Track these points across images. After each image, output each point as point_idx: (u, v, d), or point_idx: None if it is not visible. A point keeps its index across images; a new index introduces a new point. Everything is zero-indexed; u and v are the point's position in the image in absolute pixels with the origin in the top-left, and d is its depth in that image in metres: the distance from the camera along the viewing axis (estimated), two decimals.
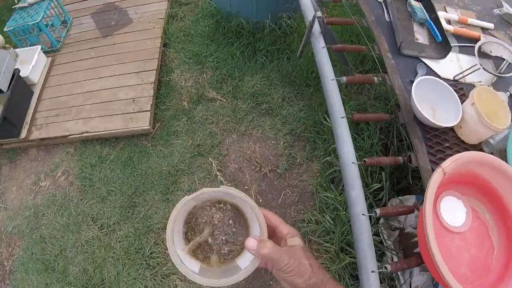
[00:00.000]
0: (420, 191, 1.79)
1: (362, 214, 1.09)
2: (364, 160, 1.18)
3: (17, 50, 2.75)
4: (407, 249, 1.61)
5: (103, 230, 2.26)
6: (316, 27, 1.67)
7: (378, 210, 1.09)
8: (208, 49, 2.90)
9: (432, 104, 1.33)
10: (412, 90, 1.24)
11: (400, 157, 1.21)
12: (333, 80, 1.43)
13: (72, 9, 3.41)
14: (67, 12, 3.27)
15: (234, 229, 0.64)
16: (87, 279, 2.12)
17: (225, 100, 2.63)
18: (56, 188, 2.50)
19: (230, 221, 0.64)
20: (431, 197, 0.87)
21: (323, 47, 1.58)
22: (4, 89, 2.49)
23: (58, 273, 2.17)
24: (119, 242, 2.20)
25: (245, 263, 0.59)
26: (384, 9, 1.75)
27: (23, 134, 2.58)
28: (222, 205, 0.64)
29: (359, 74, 2.43)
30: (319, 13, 1.60)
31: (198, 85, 2.75)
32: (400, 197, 1.76)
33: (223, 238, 0.63)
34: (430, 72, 1.52)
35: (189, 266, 0.58)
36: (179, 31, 3.13)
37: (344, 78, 1.42)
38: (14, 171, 2.66)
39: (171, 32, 3.14)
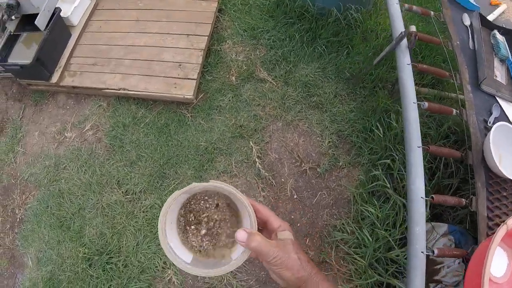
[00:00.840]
0: (452, 220, 2.08)
1: (421, 252, 1.34)
2: (432, 197, 1.46)
3: None
4: (427, 274, 1.83)
5: (128, 196, 2.55)
6: (404, 41, 1.89)
7: (436, 250, 1.36)
8: (266, 25, 3.11)
9: (500, 149, 1.60)
10: (491, 136, 1.52)
11: (463, 199, 1.51)
12: (415, 103, 1.68)
13: None
14: None
15: (227, 222, 0.73)
16: (103, 244, 2.40)
17: (275, 84, 2.87)
18: (82, 142, 2.79)
19: (224, 214, 0.74)
20: (492, 255, 1.08)
21: (409, 64, 1.82)
22: (42, 27, 2.70)
23: (73, 232, 2.46)
24: (143, 212, 2.48)
25: (237, 254, 0.68)
26: (470, 35, 2.00)
27: (54, 79, 2.84)
28: (215, 198, 0.74)
29: (432, 89, 2.66)
30: (413, 28, 1.82)
31: (250, 61, 2.99)
32: (433, 223, 1.99)
33: (216, 230, 0.73)
34: (502, 114, 1.77)
35: (182, 257, 0.67)
36: None
37: (426, 104, 1.67)
38: (39, 115, 2.95)
39: None
